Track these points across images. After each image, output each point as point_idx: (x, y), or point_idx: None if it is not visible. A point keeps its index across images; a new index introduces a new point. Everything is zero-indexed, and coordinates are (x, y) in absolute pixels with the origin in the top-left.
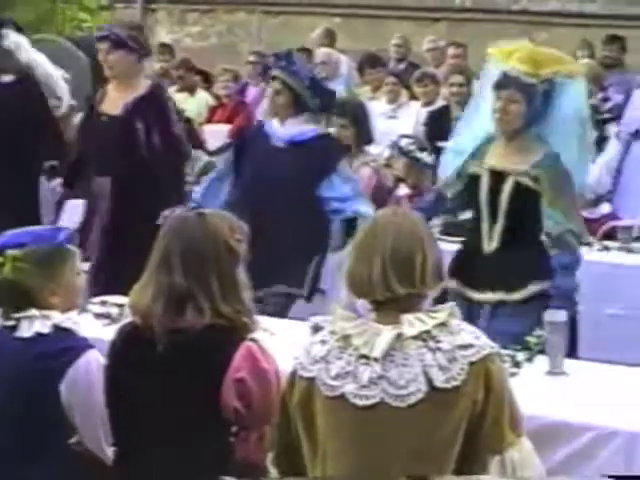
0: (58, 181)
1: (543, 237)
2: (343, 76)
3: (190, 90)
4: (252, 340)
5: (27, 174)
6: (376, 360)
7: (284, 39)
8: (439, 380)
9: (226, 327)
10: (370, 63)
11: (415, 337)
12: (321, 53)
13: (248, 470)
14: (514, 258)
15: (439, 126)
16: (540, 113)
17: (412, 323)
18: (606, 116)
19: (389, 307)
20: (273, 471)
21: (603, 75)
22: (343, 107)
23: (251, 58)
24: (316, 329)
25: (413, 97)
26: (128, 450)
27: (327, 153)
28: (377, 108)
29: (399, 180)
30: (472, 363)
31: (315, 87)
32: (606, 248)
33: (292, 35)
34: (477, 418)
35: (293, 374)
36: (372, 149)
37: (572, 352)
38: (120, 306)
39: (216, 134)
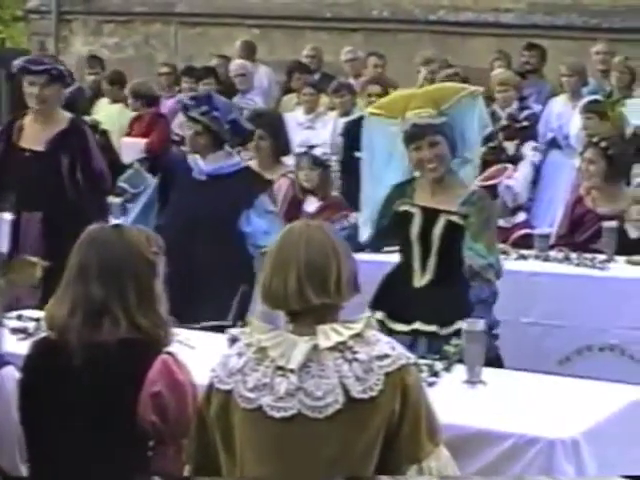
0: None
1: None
2: (261, 87)
3: (123, 102)
4: (168, 353)
5: None
6: (292, 372)
7: (201, 50)
8: (356, 391)
9: (142, 340)
10: (300, 70)
11: (331, 348)
12: (236, 65)
13: None
14: (446, 293)
15: (356, 136)
16: (456, 144)
17: (328, 334)
18: (524, 124)
19: (305, 318)
20: None
21: (521, 84)
22: (260, 118)
23: (163, 69)
24: (233, 341)
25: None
26: (43, 467)
27: (245, 187)
28: (295, 118)
29: (306, 191)
30: (388, 374)
31: (235, 127)
32: (523, 257)
33: (209, 46)
34: (394, 428)
35: (210, 387)
36: (289, 160)
37: None
38: (36, 320)
39: (133, 147)
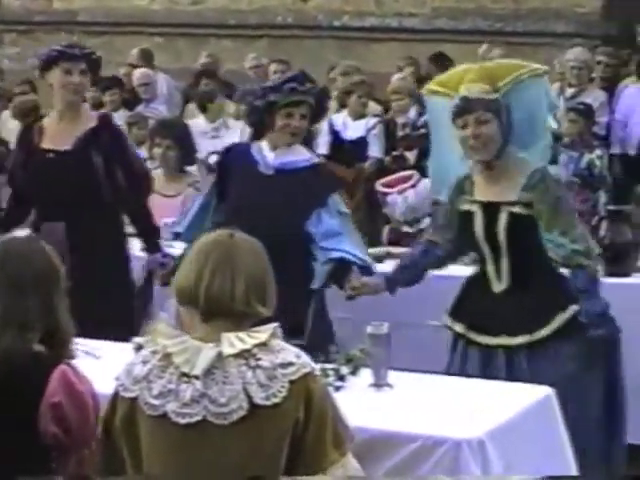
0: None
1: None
2: (164, 96)
3: None
4: (66, 364)
5: None
6: (197, 378)
7: (105, 59)
8: (259, 397)
9: (42, 352)
10: (207, 75)
11: (236, 355)
12: (139, 74)
13: None
14: (529, 295)
15: None
16: (510, 128)
17: (232, 342)
18: (422, 131)
19: (217, 323)
20: None
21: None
22: (167, 129)
23: None
24: (139, 349)
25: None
26: None
27: (319, 185)
28: (199, 126)
29: None
30: (293, 381)
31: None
32: None
33: (113, 55)
34: (299, 435)
35: (115, 395)
36: (194, 169)
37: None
38: None
39: None
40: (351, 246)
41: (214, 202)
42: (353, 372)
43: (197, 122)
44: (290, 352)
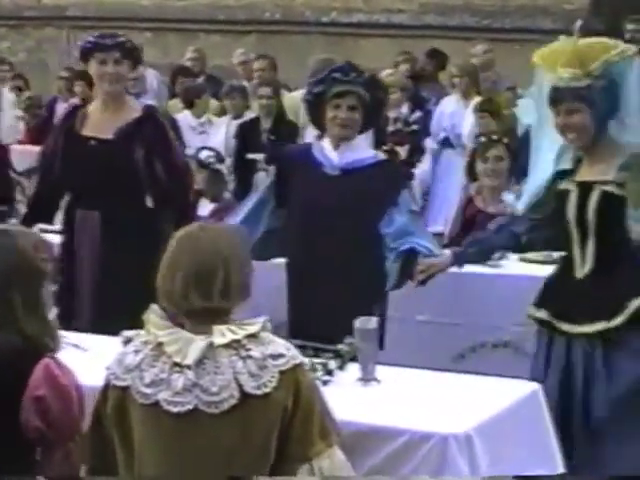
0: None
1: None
2: (153, 90)
3: None
4: (50, 357)
5: None
6: (189, 368)
7: None
8: (250, 386)
9: (26, 346)
10: (183, 73)
11: (226, 346)
12: None
13: None
14: (611, 279)
15: (250, 138)
16: (611, 109)
17: (223, 333)
18: (414, 127)
19: (200, 318)
20: None
21: (411, 87)
22: None
23: (62, 74)
24: (127, 342)
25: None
26: None
27: (387, 183)
28: (187, 122)
29: (198, 194)
30: (282, 372)
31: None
32: None
33: None
34: (287, 425)
35: (106, 385)
36: None
37: None
38: None
39: (25, 155)
40: (421, 240)
41: (272, 204)
42: (341, 367)
43: (184, 117)
44: (280, 344)
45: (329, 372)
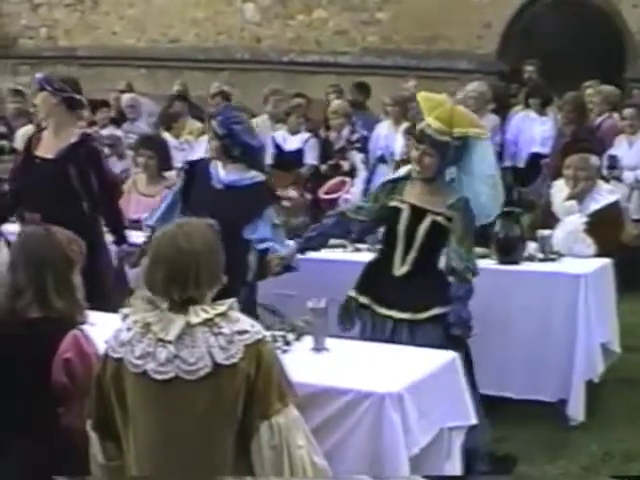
0: None
1: (442, 268)
2: (146, 116)
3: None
4: (79, 329)
5: None
6: (170, 343)
7: (98, 86)
8: (220, 358)
9: (57, 319)
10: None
11: (201, 324)
12: (127, 98)
13: (72, 434)
14: (421, 283)
15: None
16: (453, 161)
17: (198, 313)
18: (356, 145)
19: (178, 303)
20: (92, 435)
21: (350, 113)
22: (148, 142)
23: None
24: (125, 317)
25: None
26: None
27: (257, 200)
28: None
29: None
30: (247, 345)
31: (233, 137)
32: (358, 250)
33: (104, 83)
34: (250, 389)
35: (105, 355)
36: (170, 174)
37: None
38: None
39: None
40: (278, 245)
41: (180, 204)
42: (297, 338)
43: (167, 138)
44: (246, 322)
45: (287, 343)
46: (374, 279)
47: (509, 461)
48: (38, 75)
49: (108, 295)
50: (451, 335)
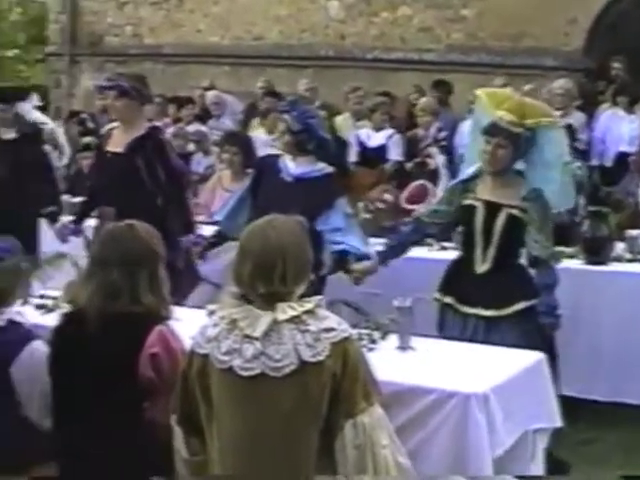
0: (60, 224)
1: (524, 260)
2: (230, 113)
3: None
4: (165, 325)
5: (29, 220)
6: (257, 339)
7: (183, 83)
8: (307, 355)
9: (145, 314)
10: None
11: (288, 321)
12: (212, 95)
13: (156, 428)
14: (504, 279)
15: None
16: (523, 153)
17: (285, 310)
18: (441, 143)
19: (264, 298)
20: (177, 430)
21: (438, 111)
22: (233, 138)
23: (157, 99)
24: (211, 314)
25: None
26: (65, 417)
27: (328, 191)
28: (260, 138)
29: None
30: (333, 343)
31: (310, 132)
32: (444, 248)
33: (189, 80)
34: (336, 387)
35: (191, 351)
36: None
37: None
38: (54, 298)
39: None
40: (352, 240)
41: (250, 200)
42: (383, 337)
43: (259, 134)
44: (332, 320)
45: (373, 341)
46: (457, 279)
47: (564, 464)
48: (106, 76)
49: (182, 288)
50: (538, 327)
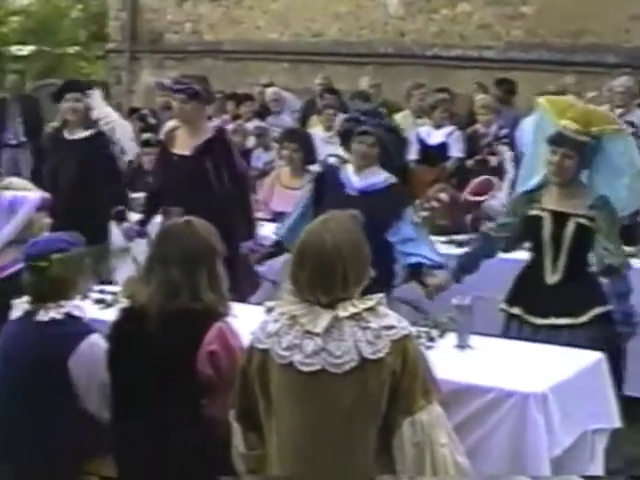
0: (128, 223)
1: (594, 268)
2: (290, 109)
3: None
4: (224, 322)
5: (100, 220)
6: (318, 335)
7: (242, 80)
8: (367, 352)
9: (204, 311)
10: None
11: (349, 317)
12: (271, 92)
13: (215, 425)
14: (577, 288)
15: None
16: (589, 163)
17: (346, 307)
18: (503, 141)
19: (326, 303)
20: (235, 425)
21: (499, 109)
22: (293, 135)
23: (217, 96)
24: (269, 310)
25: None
26: (122, 410)
27: (395, 202)
28: (318, 135)
29: None
30: (393, 341)
31: (397, 140)
32: None
33: (248, 76)
34: (395, 384)
35: (251, 347)
36: (315, 168)
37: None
38: (114, 294)
39: None
40: (424, 249)
41: (312, 213)
42: (441, 335)
43: (317, 131)
44: (393, 317)
45: (431, 339)
46: (526, 290)
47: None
48: (172, 78)
49: (241, 289)
50: (614, 334)
